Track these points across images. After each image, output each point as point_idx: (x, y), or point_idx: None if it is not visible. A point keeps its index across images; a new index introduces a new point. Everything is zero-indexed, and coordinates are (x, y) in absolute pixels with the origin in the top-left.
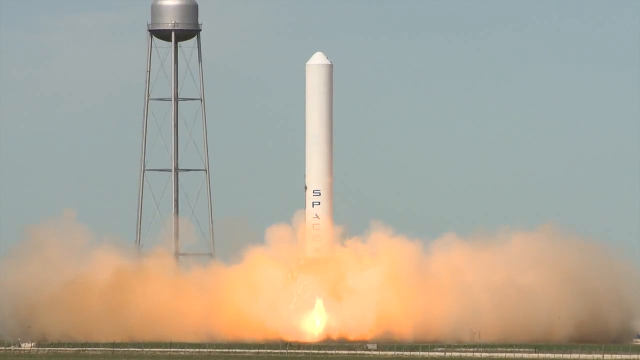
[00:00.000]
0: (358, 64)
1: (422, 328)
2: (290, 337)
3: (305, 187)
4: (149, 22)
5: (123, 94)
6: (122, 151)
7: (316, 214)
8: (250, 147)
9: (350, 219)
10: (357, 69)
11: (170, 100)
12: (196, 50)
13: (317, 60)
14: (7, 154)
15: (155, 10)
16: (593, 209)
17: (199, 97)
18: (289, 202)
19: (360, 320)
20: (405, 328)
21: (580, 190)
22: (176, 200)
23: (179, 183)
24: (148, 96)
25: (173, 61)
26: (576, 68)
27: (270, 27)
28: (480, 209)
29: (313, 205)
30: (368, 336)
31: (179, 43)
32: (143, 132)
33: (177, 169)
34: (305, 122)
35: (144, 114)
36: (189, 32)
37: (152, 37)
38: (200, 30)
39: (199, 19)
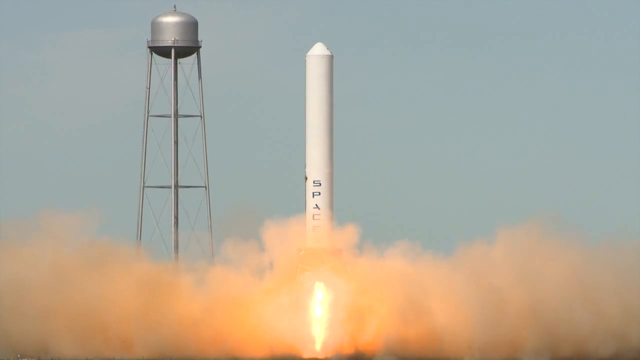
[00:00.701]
0: (359, 54)
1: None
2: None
3: (306, 178)
4: (149, 39)
5: (123, 110)
6: (121, 168)
7: (316, 204)
8: (251, 164)
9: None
10: (358, 60)
11: (170, 117)
12: (196, 66)
13: (318, 51)
14: (5, 171)
15: (155, 27)
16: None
17: (199, 114)
18: (289, 219)
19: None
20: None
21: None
22: (176, 217)
23: (178, 200)
24: (148, 113)
25: (173, 78)
26: (567, 74)
27: (270, 43)
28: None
29: (313, 195)
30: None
31: (178, 60)
32: (143, 148)
33: (177, 186)
34: (305, 112)
35: (143, 131)
36: (188, 48)
37: (151, 53)
38: (200, 47)
39: (198, 36)
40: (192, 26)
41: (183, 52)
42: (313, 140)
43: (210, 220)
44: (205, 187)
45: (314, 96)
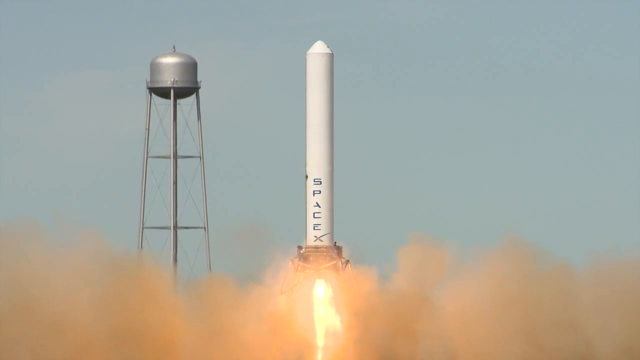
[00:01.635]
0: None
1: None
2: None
3: (306, 176)
4: (148, 80)
5: (122, 151)
6: (120, 209)
7: (317, 202)
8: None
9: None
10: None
11: (169, 157)
12: (195, 107)
13: (318, 49)
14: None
15: (154, 67)
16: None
17: (198, 155)
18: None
19: None
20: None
21: None
22: (175, 258)
23: (177, 241)
24: (147, 154)
25: (172, 118)
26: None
27: (270, 84)
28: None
29: (314, 194)
30: None
31: (178, 100)
32: (142, 189)
33: (176, 227)
34: (306, 110)
35: (142, 172)
36: (188, 89)
37: (151, 94)
38: (200, 87)
39: (198, 77)
40: (191, 67)
41: (182, 92)
42: (313, 138)
43: (210, 261)
44: (205, 228)
45: (314, 94)
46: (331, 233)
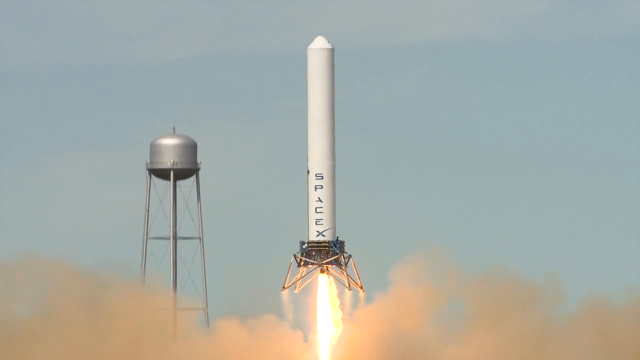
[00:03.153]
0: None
1: None
2: None
3: (308, 171)
4: (148, 161)
5: (121, 232)
6: (120, 290)
7: (319, 197)
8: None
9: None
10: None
11: (169, 239)
12: (195, 188)
13: (319, 44)
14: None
15: (154, 149)
16: None
17: (198, 236)
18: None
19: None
20: None
21: None
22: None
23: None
24: (147, 235)
25: (172, 200)
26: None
27: (270, 165)
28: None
29: (316, 189)
30: None
31: (177, 182)
32: (142, 271)
33: (175, 308)
34: (307, 106)
35: (142, 253)
36: (188, 170)
37: (150, 175)
38: (199, 169)
39: (197, 158)
40: (191, 148)
41: (182, 174)
42: (314, 133)
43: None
44: (204, 309)
45: (315, 89)
46: (333, 228)
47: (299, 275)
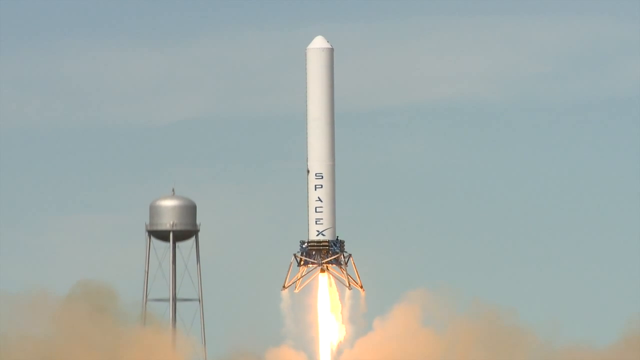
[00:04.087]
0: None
1: None
2: None
3: (308, 171)
4: (147, 223)
5: (121, 294)
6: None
7: (319, 197)
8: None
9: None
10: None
11: (168, 300)
12: (194, 250)
13: (318, 44)
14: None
15: (154, 210)
16: None
17: (197, 298)
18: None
19: None
20: None
21: None
22: None
23: None
24: (146, 296)
25: (171, 261)
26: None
27: (269, 227)
28: None
29: (315, 188)
30: None
31: (177, 243)
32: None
33: None
34: (307, 106)
35: (142, 315)
36: (187, 232)
37: (150, 237)
38: (199, 230)
39: (197, 219)
40: (190, 210)
41: (181, 235)
42: (314, 133)
43: None
44: None
45: (314, 89)
46: (333, 227)
47: (299, 275)
